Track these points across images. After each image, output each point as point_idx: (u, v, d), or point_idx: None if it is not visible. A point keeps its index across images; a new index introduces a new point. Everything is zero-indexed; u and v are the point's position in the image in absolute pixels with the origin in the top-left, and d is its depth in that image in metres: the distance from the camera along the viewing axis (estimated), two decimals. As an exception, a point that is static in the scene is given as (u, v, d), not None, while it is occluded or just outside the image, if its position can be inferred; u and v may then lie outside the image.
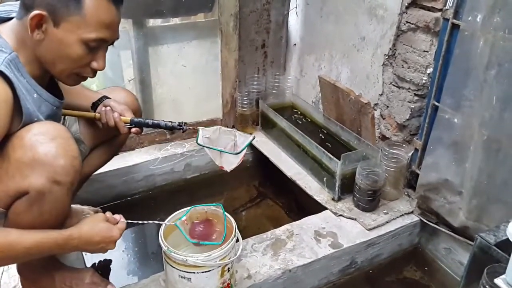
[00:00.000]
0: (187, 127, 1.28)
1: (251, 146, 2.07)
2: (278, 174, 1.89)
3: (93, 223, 1.07)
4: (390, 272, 1.59)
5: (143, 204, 1.90)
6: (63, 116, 1.28)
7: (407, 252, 1.64)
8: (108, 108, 1.27)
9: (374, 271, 1.58)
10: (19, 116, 0.99)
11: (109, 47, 1.08)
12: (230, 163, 1.22)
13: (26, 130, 0.97)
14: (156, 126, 1.28)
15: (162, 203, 1.91)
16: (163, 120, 1.29)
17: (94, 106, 1.31)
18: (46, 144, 0.96)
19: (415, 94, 1.54)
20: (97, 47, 1.01)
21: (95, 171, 1.46)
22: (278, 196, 1.93)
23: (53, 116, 1.11)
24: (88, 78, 1.09)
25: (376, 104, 1.69)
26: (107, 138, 1.39)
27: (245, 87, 2.09)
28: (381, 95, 1.66)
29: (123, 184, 1.87)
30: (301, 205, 1.80)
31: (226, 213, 1.23)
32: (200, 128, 1.25)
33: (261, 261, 1.38)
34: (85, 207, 1.57)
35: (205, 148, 1.23)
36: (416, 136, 1.60)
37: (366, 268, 1.56)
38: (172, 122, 1.28)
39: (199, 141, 1.22)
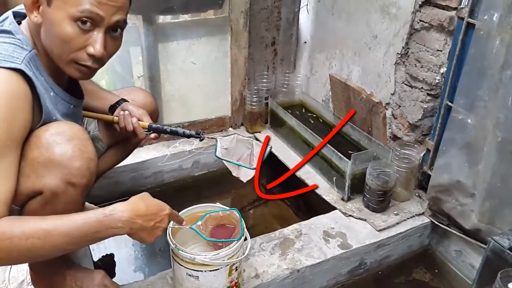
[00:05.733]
0: (205, 136, 1.27)
1: (259, 144, 2.07)
2: (286, 172, 1.87)
3: (141, 196, 1.00)
4: (400, 274, 1.57)
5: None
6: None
7: (417, 254, 1.62)
8: (127, 112, 1.26)
9: (383, 272, 1.56)
10: (39, 114, 0.98)
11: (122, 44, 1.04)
12: (246, 175, 1.23)
13: (44, 130, 0.96)
14: (174, 133, 1.27)
15: (170, 200, 1.87)
16: (181, 128, 1.28)
17: (112, 108, 1.30)
18: (63, 145, 0.95)
19: (428, 94, 1.52)
20: (91, 29, 0.94)
21: (110, 169, 1.47)
22: (286, 192, 1.91)
23: (71, 115, 1.10)
24: (94, 70, 1.01)
25: (387, 104, 1.67)
26: (124, 138, 1.39)
27: (254, 84, 2.07)
28: (393, 94, 1.64)
29: (131, 180, 1.87)
30: (310, 205, 1.78)
31: (237, 211, 1.22)
32: (218, 138, 1.24)
33: (269, 261, 1.37)
34: (93, 205, 1.57)
35: (223, 161, 1.23)
36: (428, 137, 1.58)
37: (375, 270, 1.55)
38: (189, 130, 1.27)
39: (217, 154, 1.22)
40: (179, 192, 1.95)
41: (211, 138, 1.27)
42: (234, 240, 1.13)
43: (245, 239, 1.19)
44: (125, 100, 1.31)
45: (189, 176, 2.00)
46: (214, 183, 2.01)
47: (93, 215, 0.91)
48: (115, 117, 1.27)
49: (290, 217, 1.79)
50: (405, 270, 1.58)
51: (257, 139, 2.08)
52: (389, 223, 1.52)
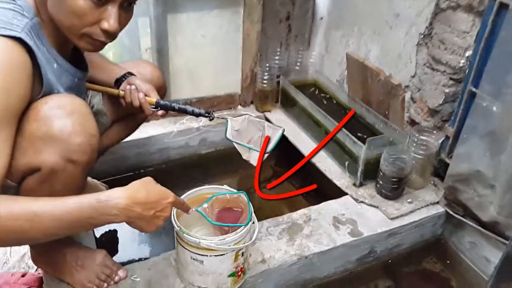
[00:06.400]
0: (215, 116, 1.21)
1: (269, 124, 1.99)
2: (296, 155, 1.81)
3: (143, 182, 0.92)
4: (410, 263, 1.52)
5: (156, 178, 1.82)
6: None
7: (428, 243, 1.56)
8: (133, 87, 1.20)
9: (393, 260, 1.51)
10: (39, 87, 0.92)
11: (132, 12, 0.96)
12: (255, 157, 1.17)
13: (43, 102, 0.90)
14: (183, 111, 1.21)
15: (175, 177, 1.86)
16: (190, 106, 1.22)
17: (118, 82, 1.23)
18: (63, 119, 0.88)
19: (451, 78, 1.43)
20: (105, 3, 0.88)
21: (114, 145, 1.42)
22: (295, 177, 1.85)
23: (75, 88, 1.04)
24: (106, 43, 0.95)
25: (407, 86, 1.59)
26: (130, 113, 1.33)
27: (266, 61, 1.99)
28: (413, 76, 1.56)
29: (136, 156, 1.82)
30: (319, 189, 1.72)
31: (244, 195, 1.17)
32: (229, 119, 1.18)
33: (276, 246, 1.32)
34: (96, 181, 1.53)
35: (234, 143, 1.17)
36: (448, 123, 1.50)
37: (385, 258, 1.50)
38: (198, 108, 1.21)
39: (228, 135, 1.16)
40: (185, 169, 1.90)
41: (221, 118, 1.21)
42: (242, 226, 1.08)
43: (252, 222, 1.14)
44: (131, 74, 1.25)
45: (195, 153, 1.95)
46: (221, 162, 1.95)
47: (87, 200, 0.85)
48: (121, 91, 1.21)
49: (298, 200, 1.74)
50: (416, 259, 1.53)
51: (267, 119, 2.01)
52: (402, 212, 1.46)
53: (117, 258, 1.43)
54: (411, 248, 1.54)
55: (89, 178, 1.50)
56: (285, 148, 1.87)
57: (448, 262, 1.53)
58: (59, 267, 1.14)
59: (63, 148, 0.89)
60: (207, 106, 1.98)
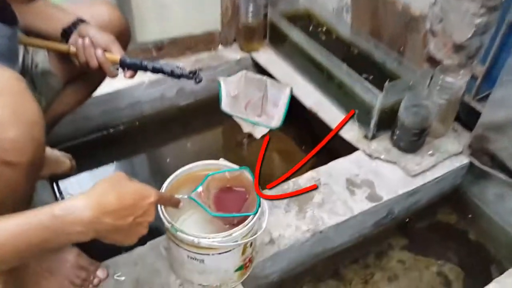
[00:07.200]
0: (202, 77, 0.93)
1: (256, 66, 1.70)
2: (291, 102, 1.55)
3: (111, 181, 0.67)
4: (427, 218, 1.37)
5: (128, 138, 1.59)
6: (22, 46, 0.90)
7: (446, 195, 1.40)
8: (87, 40, 0.89)
9: (410, 218, 1.35)
10: None
11: None
12: (260, 130, 0.91)
13: None
14: (158, 71, 0.93)
15: (150, 135, 1.60)
16: (168, 64, 0.94)
17: (66, 33, 0.92)
18: None
19: (482, 6, 1.17)
20: None
21: (71, 111, 1.14)
22: (293, 129, 1.60)
23: (6, 52, 0.75)
24: None
25: (425, 16, 1.32)
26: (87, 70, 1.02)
27: (248, -11, 1.66)
28: (434, 4, 1.28)
29: (102, 114, 1.54)
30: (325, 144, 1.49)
31: (248, 171, 0.93)
32: (222, 80, 0.91)
33: (285, 221, 1.11)
34: (57, 151, 1.25)
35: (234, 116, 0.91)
36: (473, 60, 1.27)
37: (402, 217, 1.33)
38: (179, 67, 0.93)
39: (223, 107, 0.89)
40: (162, 125, 1.63)
41: (213, 81, 0.94)
42: (251, 214, 0.85)
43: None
44: (83, 21, 0.93)
45: (173, 106, 1.67)
46: (202, 114, 1.68)
47: (37, 218, 0.60)
48: (71, 47, 0.91)
49: (299, 156, 1.50)
50: (434, 213, 1.38)
51: (253, 61, 1.71)
52: (424, 167, 1.26)
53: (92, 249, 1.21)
54: (429, 203, 1.37)
55: (47, 149, 1.21)
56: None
57: (470, 216, 1.38)
58: (21, 276, 0.90)
59: None
60: (182, 48, 1.67)
